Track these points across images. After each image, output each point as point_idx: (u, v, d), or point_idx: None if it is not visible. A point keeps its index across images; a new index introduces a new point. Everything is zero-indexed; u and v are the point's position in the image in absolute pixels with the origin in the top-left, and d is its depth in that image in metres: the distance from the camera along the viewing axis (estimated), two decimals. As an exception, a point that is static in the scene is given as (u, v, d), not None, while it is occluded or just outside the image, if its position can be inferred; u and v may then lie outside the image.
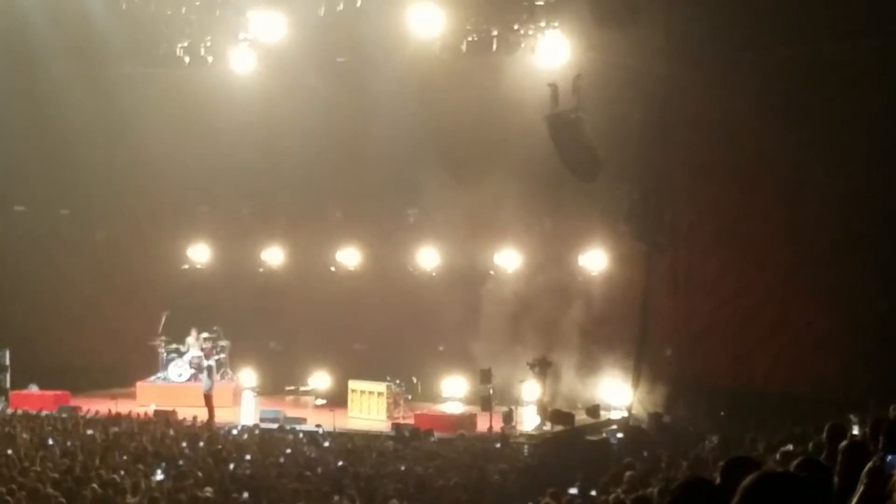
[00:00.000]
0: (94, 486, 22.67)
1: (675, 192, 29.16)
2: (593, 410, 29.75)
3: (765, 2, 25.23)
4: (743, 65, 26.28)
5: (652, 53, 27.64)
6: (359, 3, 31.03)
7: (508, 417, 29.84)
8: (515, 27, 30.46)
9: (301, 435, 28.67)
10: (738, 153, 27.05)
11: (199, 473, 24.13)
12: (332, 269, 34.16)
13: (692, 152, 28.26)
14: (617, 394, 30.62)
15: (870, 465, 7.19)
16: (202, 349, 33.07)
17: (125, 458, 25.59)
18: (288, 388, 33.90)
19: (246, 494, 22.13)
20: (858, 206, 25.66)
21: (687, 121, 28.04)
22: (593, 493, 18.45)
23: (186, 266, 35.78)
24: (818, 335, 25.30)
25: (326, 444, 27.86)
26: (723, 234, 27.95)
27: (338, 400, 32.09)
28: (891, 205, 25.58)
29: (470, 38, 30.63)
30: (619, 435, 27.86)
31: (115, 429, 28.90)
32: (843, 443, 10.00)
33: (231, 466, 25.03)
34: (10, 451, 26.00)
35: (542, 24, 30.04)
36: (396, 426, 29.43)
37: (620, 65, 28.62)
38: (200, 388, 31.86)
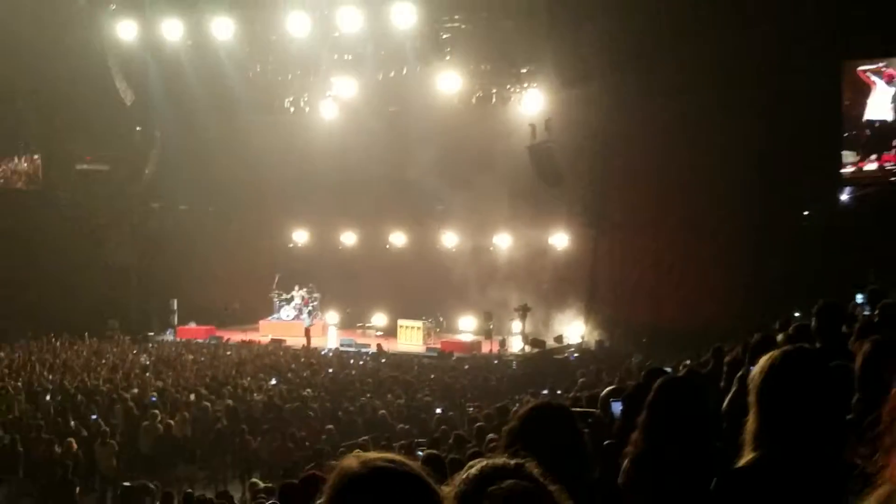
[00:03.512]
0: (229, 387, 23.07)
1: (612, 194, 29.06)
2: (559, 339, 29.86)
3: (672, 65, 25.04)
4: (658, 107, 26.09)
5: (598, 102, 27.68)
6: (404, 72, 31.22)
7: (502, 344, 30.12)
8: (508, 87, 30.56)
9: (367, 356, 29.05)
10: (653, 167, 26.97)
11: (300, 380, 24.52)
12: (387, 246, 34.29)
13: (623, 167, 28.18)
14: (574, 328, 30.62)
15: (740, 373, 7.13)
16: (303, 298, 33.34)
17: (253, 369, 26.02)
18: (358, 325, 33.97)
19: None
20: (735, 203, 25.73)
21: (619, 146, 27.98)
22: (559, 392, 18.51)
23: (292, 244, 36.03)
24: (707, 290, 25.29)
25: (383, 357, 28.32)
26: (644, 223, 27.79)
27: (391, 332, 32.46)
28: (754, 199, 25.72)
29: (478, 95, 30.73)
30: (576, 355, 28.07)
31: (245, 352, 29.28)
32: (727, 358, 10.13)
33: (322, 375, 25.37)
34: (177, 365, 26.47)
35: (525, 85, 30.22)
36: (432, 350, 29.89)
37: (577, 111, 28.68)
38: (302, 324, 32.17)
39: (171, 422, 20.19)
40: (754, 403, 2.94)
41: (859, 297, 10.55)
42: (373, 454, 1.82)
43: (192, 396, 22.07)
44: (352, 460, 1.78)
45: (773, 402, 2.89)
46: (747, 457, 2.90)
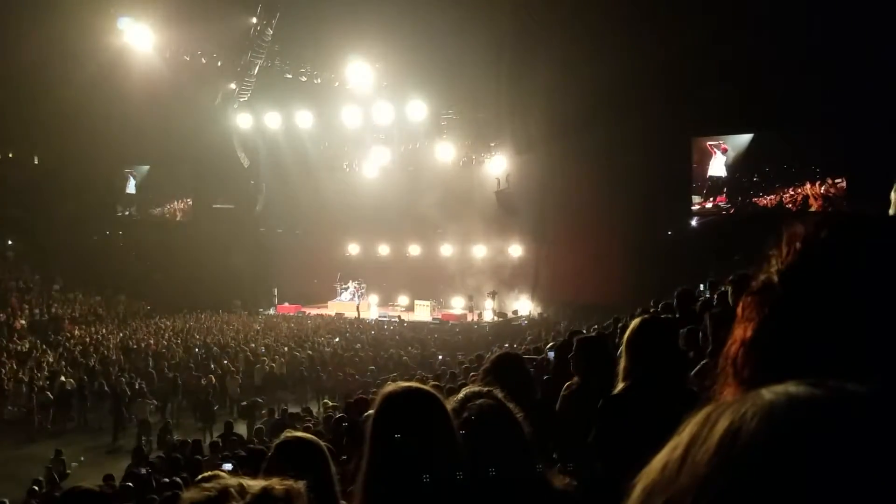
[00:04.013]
0: (309, 343, 23.03)
1: (548, 221, 28.68)
2: (515, 312, 29.68)
3: (584, 141, 24.66)
4: (575, 167, 25.64)
5: (538, 163, 27.61)
6: (418, 145, 31.27)
7: (480, 316, 29.90)
8: (482, 154, 30.62)
9: (396, 323, 28.95)
10: (573, 204, 26.58)
11: (354, 338, 24.48)
12: (407, 254, 33.89)
13: (554, 204, 27.78)
14: (524, 305, 30.36)
15: None
16: (355, 287, 33.04)
17: (324, 332, 25.95)
18: (390, 304, 33.61)
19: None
20: (626, 226, 25.46)
21: (552, 191, 27.62)
22: (515, 345, 18.46)
23: (348, 254, 35.46)
24: (608, 281, 24.77)
25: (405, 323, 28.23)
26: (568, 238, 27.31)
27: (410, 308, 32.18)
28: (638, 223, 25.47)
29: (463, 159, 30.82)
30: (526, 322, 27.86)
31: (319, 321, 29.23)
32: (620, 324, 9.89)
33: (367, 335, 25.31)
34: (275, 330, 26.39)
35: (493, 153, 30.27)
36: (436, 319, 29.72)
37: (526, 168, 28.63)
38: (355, 303, 32.05)
39: (273, 364, 20.23)
40: (625, 350, 2.89)
41: (702, 286, 10.52)
42: (403, 382, 1.87)
43: (286, 349, 22.09)
44: (391, 385, 1.82)
45: (635, 350, 2.85)
46: (620, 385, 2.85)
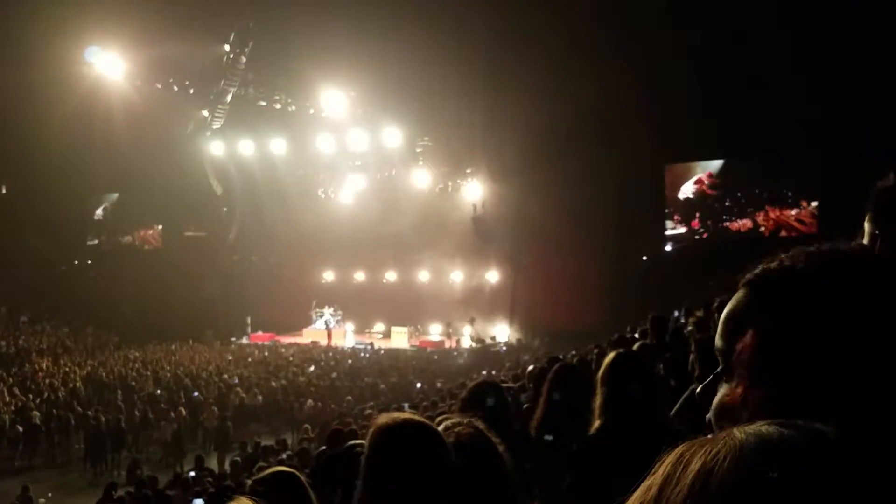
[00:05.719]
0: (283, 374, 22.78)
1: (523, 247, 28.79)
2: (493, 338, 29.51)
3: (558, 169, 24.90)
4: (551, 194, 25.76)
5: (513, 190, 27.75)
6: (394, 172, 31.35)
7: (458, 342, 29.79)
8: (458, 181, 30.77)
9: (371, 350, 28.69)
10: (548, 231, 26.69)
11: (329, 367, 24.25)
12: (384, 280, 33.68)
13: (530, 230, 27.97)
14: (503, 331, 30.20)
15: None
16: (331, 314, 32.58)
17: (299, 361, 25.67)
18: (366, 331, 33.24)
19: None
20: (601, 252, 25.70)
21: (527, 218, 27.74)
22: (493, 372, 18.43)
23: (323, 281, 35.16)
24: (585, 307, 24.84)
25: (382, 352, 27.99)
26: (544, 264, 27.49)
27: (387, 335, 31.83)
28: (613, 249, 25.67)
29: (440, 186, 30.91)
30: (504, 348, 27.77)
31: (294, 349, 28.94)
32: (597, 352, 9.79)
33: (343, 364, 25.09)
34: (249, 359, 26.08)
35: (469, 179, 30.43)
36: (414, 346, 29.53)
37: (502, 194, 28.79)
38: (325, 330, 31.64)
39: (245, 396, 19.99)
40: (600, 387, 2.84)
41: (676, 313, 10.60)
42: (396, 413, 1.83)
43: (262, 380, 21.82)
44: (384, 417, 1.78)
45: (609, 387, 2.80)
46: (596, 424, 2.78)
